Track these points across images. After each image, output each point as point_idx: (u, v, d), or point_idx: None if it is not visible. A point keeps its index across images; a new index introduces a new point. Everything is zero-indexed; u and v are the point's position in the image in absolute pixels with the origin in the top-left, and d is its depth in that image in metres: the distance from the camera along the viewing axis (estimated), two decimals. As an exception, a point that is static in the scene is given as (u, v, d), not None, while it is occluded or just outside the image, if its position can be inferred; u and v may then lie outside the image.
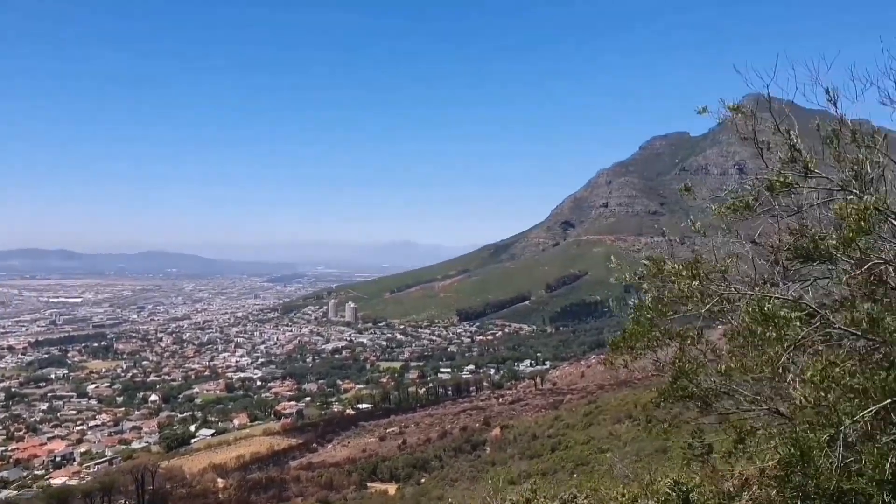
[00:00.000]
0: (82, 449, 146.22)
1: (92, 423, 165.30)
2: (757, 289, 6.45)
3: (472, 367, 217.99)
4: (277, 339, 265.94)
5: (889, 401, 5.73)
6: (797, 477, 5.70)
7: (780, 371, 6.24)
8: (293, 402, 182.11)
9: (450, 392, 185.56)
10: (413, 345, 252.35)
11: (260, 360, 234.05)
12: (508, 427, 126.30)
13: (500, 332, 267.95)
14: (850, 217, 5.80)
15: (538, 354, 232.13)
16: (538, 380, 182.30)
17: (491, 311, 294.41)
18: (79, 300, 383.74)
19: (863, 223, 5.75)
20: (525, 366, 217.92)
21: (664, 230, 7.69)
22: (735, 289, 6.56)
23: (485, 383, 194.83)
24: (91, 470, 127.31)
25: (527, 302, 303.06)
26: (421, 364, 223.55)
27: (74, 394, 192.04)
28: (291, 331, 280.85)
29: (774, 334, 5.77)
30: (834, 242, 6.01)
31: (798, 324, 5.86)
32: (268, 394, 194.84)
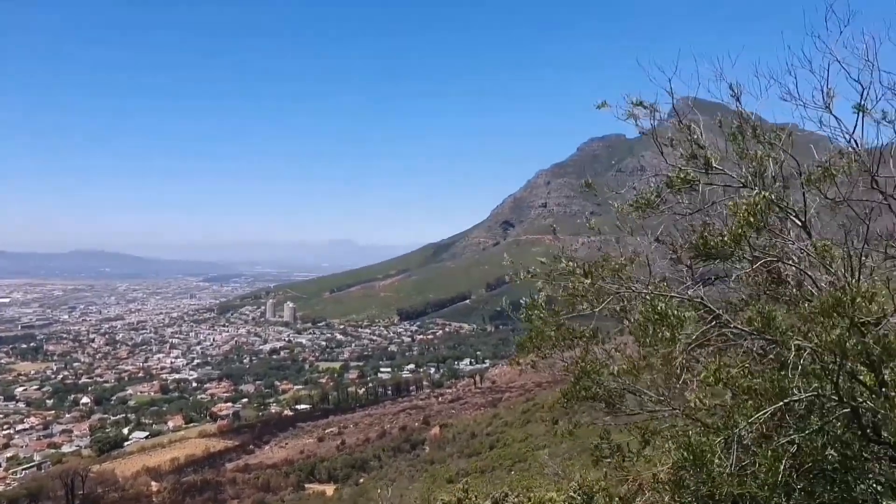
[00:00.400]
0: (9, 454, 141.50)
1: (20, 427, 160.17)
2: (651, 287, 6.31)
3: (412, 366, 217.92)
4: (214, 339, 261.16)
5: (784, 402, 5.64)
6: (691, 482, 5.58)
7: (679, 372, 6.13)
8: (230, 404, 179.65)
9: (389, 392, 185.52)
10: (353, 345, 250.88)
11: (196, 361, 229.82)
12: (448, 426, 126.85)
13: (440, 332, 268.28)
14: (739, 213, 5.69)
15: (478, 353, 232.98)
16: (477, 378, 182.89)
17: (431, 310, 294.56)
18: (6, 300, 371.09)
19: (751, 219, 5.64)
20: (465, 364, 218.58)
21: (554, 228, 7.50)
22: (630, 287, 6.41)
23: (425, 382, 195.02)
24: (18, 475, 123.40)
25: (467, 301, 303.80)
26: (361, 364, 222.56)
27: (1, 397, 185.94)
28: (228, 331, 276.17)
29: (668, 334, 5.62)
30: (722, 239, 5.89)
31: (693, 323, 5.72)
32: (204, 395, 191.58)
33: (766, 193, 5.84)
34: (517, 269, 7.12)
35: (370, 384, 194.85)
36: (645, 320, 5.74)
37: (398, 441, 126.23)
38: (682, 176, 6.80)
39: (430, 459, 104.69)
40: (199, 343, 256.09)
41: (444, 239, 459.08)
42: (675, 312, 5.63)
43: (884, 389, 6.09)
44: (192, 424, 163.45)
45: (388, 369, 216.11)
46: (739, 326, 5.92)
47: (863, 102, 6.73)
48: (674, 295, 6.10)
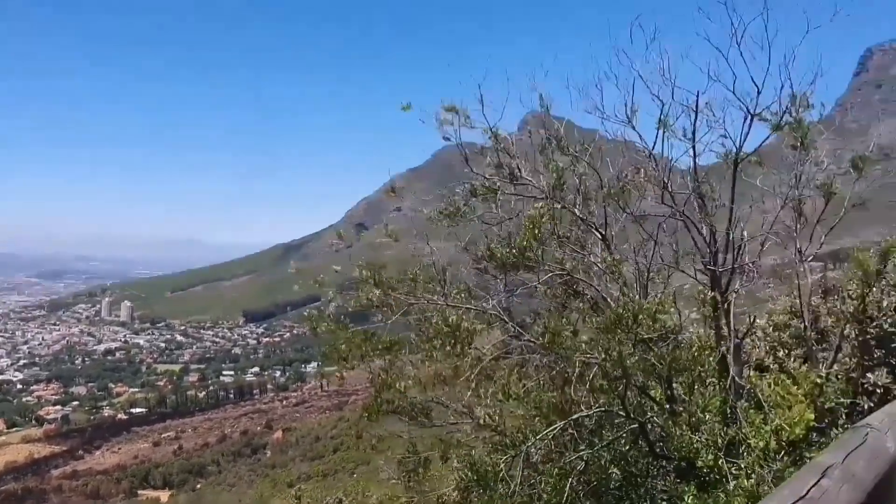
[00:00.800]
0: None
1: None
2: (446, 298, 6.11)
3: (256, 369, 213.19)
4: (43, 338, 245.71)
5: (573, 419, 5.57)
6: (476, 503, 5.40)
7: (474, 385, 5.96)
8: (58, 407, 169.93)
9: (232, 395, 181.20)
10: (194, 346, 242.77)
11: (22, 362, 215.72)
12: (291, 429, 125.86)
13: (287, 334, 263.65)
14: (525, 225, 5.59)
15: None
16: (324, 381, 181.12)
17: (280, 312, 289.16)
18: None
19: (536, 231, 5.54)
20: (312, 367, 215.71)
21: (353, 233, 7.23)
22: (425, 298, 6.19)
23: (269, 386, 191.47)
24: None
25: (318, 303, 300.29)
26: (202, 367, 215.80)
27: None
28: (59, 330, 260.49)
29: (458, 348, 5.42)
30: (506, 251, 5.77)
31: (486, 335, 5.56)
32: (30, 398, 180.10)
33: (551, 206, 5.75)
34: (305, 278, 6.77)
35: (211, 387, 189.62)
36: (436, 333, 5.51)
37: (239, 445, 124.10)
38: (487, 185, 6.65)
39: (271, 464, 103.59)
40: (26, 342, 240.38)
41: (295, 239, 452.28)
42: (467, 325, 5.43)
43: (671, 405, 6.15)
44: (14, 429, 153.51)
45: (231, 372, 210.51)
46: (532, 340, 5.81)
47: (663, 118, 6.83)
48: (470, 307, 5.91)
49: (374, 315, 6.54)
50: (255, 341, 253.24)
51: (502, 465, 5.20)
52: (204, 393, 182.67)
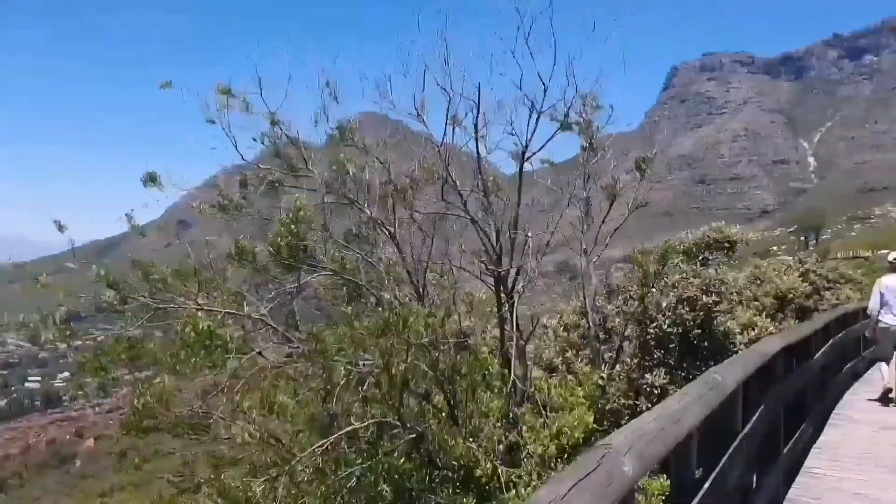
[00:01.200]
0: None
1: None
2: (202, 301, 5.53)
3: (66, 374, 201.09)
4: None
5: (345, 431, 5.16)
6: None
7: (238, 398, 5.43)
8: None
9: (38, 403, 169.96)
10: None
11: None
12: (104, 438, 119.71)
13: (101, 337, 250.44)
14: (280, 221, 5.14)
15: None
16: (141, 386, 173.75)
17: (96, 313, 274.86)
18: None
19: (293, 227, 5.10)
20: (124, 372, 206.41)
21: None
22: (177, 303, 5.58)
23: (81, 392, 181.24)
24: None
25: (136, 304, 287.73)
26: (5, 372, 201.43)
27: None
28: None
29: (209, 359, 4.86)
30: (259, 248, 5.32)
31: (238, 343, 5.02)
32: None
33: (322, 199, 5.34)
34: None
35: (14, 395, 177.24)
36: (184, 342, 4.93)
37: (45, 456, 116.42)
38: (261, 175, 6.12)
39: (82, 474, 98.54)
40: None
41: (111, 237, 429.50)
42: (223, 332, 4.88)
43: (453, 412, 5.88)
44: None
45: (38, 378, 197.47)
46: (298, 347, 5.35)
47: (453, 113, 6.54)
48: (230, 311, 5.36)
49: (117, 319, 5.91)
50: (64, 345, 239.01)
51: (257, 490, 4.68)
52: (6, 401, 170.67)
